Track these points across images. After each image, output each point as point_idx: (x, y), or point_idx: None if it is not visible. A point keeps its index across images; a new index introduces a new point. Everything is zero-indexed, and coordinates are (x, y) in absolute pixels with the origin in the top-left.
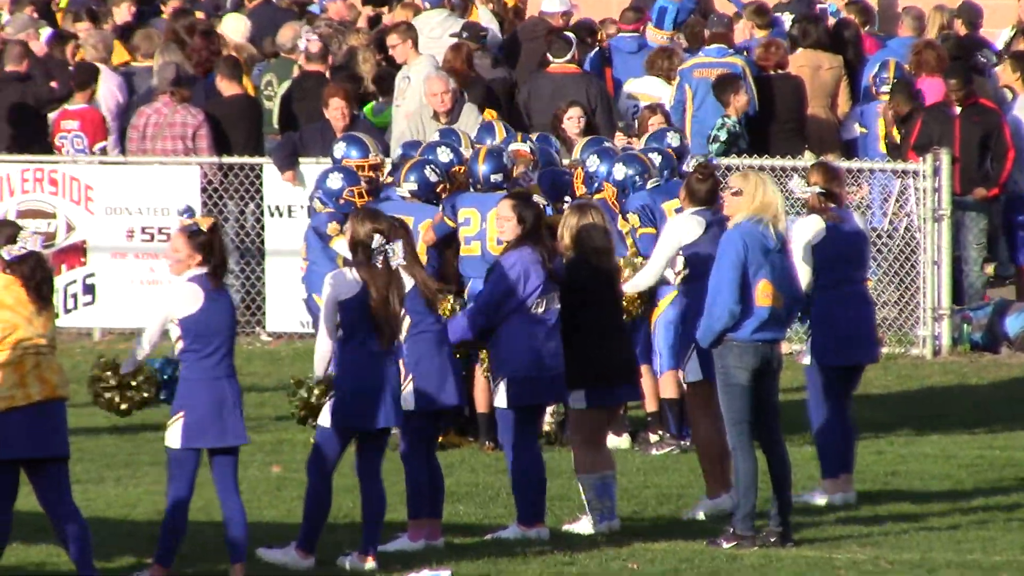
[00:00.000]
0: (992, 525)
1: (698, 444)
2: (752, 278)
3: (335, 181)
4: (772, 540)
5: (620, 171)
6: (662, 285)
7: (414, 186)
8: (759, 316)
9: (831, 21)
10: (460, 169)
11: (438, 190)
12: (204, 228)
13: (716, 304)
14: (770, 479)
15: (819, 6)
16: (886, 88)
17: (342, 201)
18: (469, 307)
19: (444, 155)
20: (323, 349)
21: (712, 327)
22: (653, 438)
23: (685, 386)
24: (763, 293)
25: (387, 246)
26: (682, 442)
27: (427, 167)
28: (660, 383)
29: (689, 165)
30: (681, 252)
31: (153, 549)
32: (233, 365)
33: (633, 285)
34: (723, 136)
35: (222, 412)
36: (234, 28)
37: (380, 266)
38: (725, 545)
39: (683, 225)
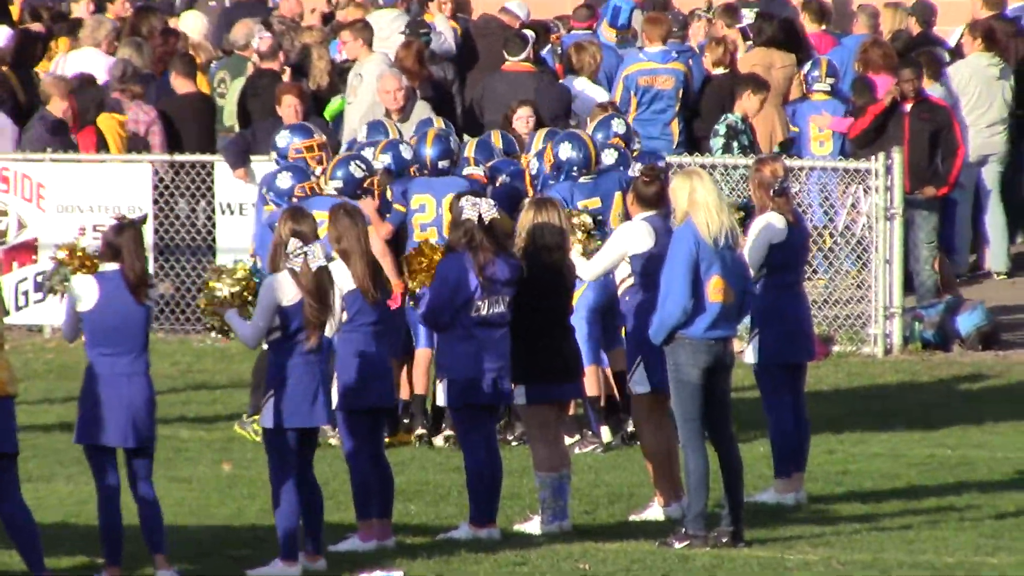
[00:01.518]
0: (944, 525)
1: (645, 455)
2: (704, 274)
3: (284, 180)
4: (724, 540)
5: (565, 151)
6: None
7: (339, 183)
8: (711, 312)
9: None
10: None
11: (365, 186)
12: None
13: (668, 301)
14: (721, 478)
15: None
16: (818, 86)
17: (294, 199)
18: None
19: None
20: (249, 339)
21: (664, 323)
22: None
23: (632, 395)
24: (715, 289)
25: (304, 249)
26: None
27: (352, 163)
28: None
29: (634, 169)
30: (629, 260)
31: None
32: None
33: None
34: (721, 130)
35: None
36: (192, 26)
37: (299, 268)
38: (677, 545)
39: (632, 234)
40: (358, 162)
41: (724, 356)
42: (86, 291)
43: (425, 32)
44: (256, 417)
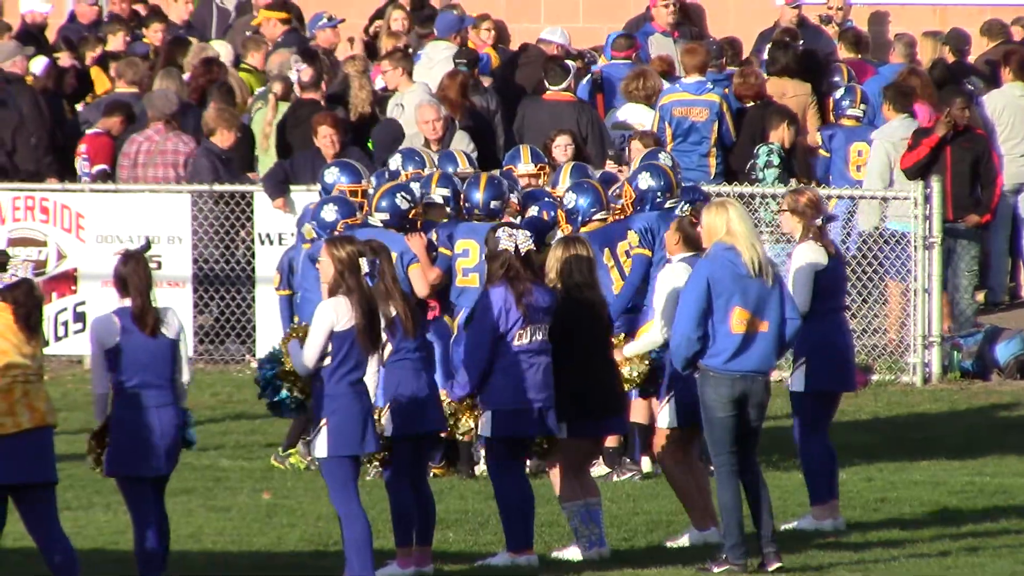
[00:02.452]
0: (981, 552)
1: (672, 487)
2: (725, 306)
3: (330, 213)
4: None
5: (645, 181)
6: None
7: (385, 215)
8: (732, 344)
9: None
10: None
11: (411, 216)
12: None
13: (676, 331)
14: (748, 507)
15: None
16: (851, 112)
17: (337, 233)
18: (461, 358)
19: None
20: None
21: (674, 353)
22: (603, 470)
23: (656, 428)
24: (737, 320)
25: (374, 266)
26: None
27: (398, 194)
28: (631, 407)
29: (682, 209)
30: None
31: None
32: None
33: (641, 345)
34: (775, 160)
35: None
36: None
37: (366, 288)
38: (715, 570)
39: (678, 277)
40: (403, 193)
41: (751, 392)
42: (108, 328)
43: (477, 60)
44: (292, 451)
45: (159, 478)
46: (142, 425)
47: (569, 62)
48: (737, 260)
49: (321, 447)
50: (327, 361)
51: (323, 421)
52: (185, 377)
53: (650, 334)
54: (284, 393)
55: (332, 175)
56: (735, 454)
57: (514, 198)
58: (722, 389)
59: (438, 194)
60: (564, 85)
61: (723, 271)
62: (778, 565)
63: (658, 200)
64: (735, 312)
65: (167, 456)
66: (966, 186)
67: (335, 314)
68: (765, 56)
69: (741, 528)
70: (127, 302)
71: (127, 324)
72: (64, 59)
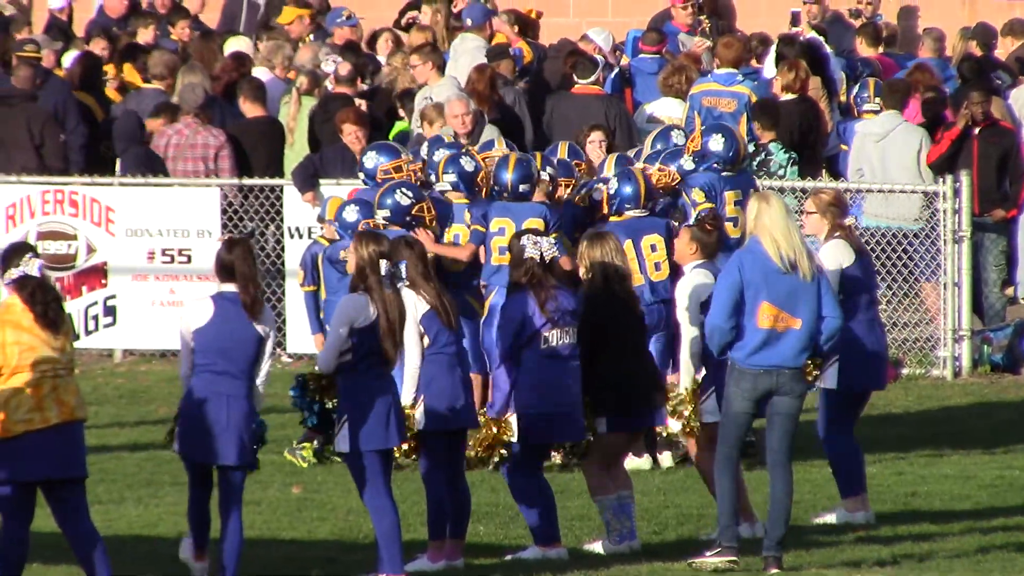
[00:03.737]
0: (1012, 545)
1: (705, 482)
2: (753, 300)
3: (351, 213)
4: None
5: (716, 143)
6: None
7: (387, 212)
8: (757, 338)
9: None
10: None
11: (414, 212)
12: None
13: (709, 321)
14: (770, 500)
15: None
16: (868, 107)
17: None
18: (497, 373)
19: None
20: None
21: (709, 341)
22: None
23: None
24: (764, 315)
25: (394, 269)
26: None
27: (397, 191)
28: None
29: (699, 215)
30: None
31: (170, 568)
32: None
33: (689, 370)
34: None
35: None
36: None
37: (388, 289)
38: (708, 555)
39: (697, 279)
40: (404, 189)
41: (780, 383)
42: (200, 310)
43: (509, 54)
44: (306, 444)
45: (228, 467)
46: (213, 410)
47: (597, 56)
48: (768, 254)
49: (343, 442)
50: (348, 357)
51: (344, 417)
52: (261, 377)
53: (685, 360)
54: (311, 416)
55: (371, 159)
56: (740, 450)
57: (547, 174)
58: (744, 383)
59: (445, 182)
60: (592, 79)
61: (753, 264)
62: (776, 572)
63: (716, 166)
64: (762, 307)
65: (234, 447)
66: (993, 180)
67: (354, 310)
68: (772, 52)
69: (735, 512)
70: (229, 287)
71: (223, 308)
72: (97, 48)
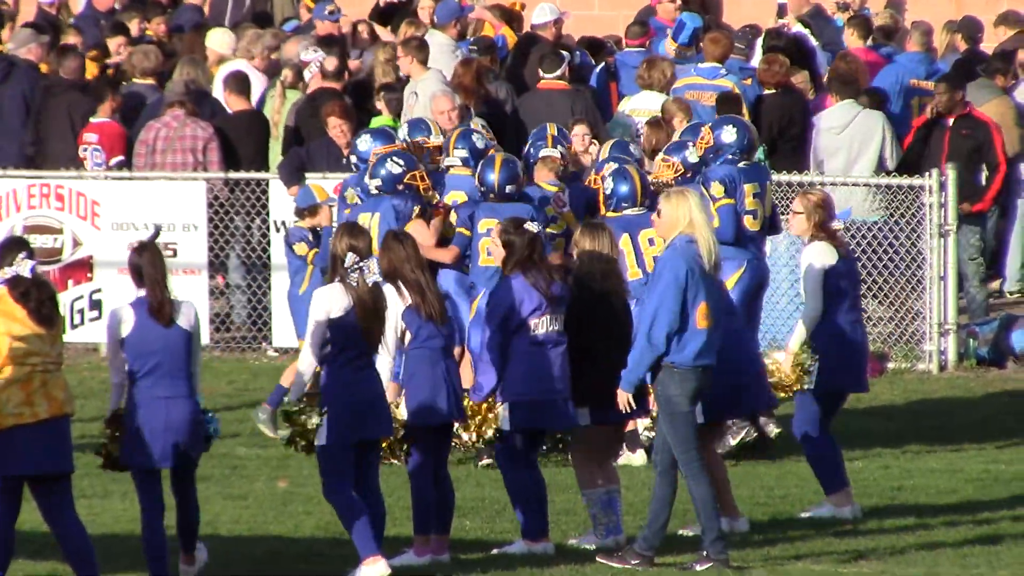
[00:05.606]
0: (998, 540)
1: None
2: (693, 300)
3: (364, 143)
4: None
5: (729, 135)
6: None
7: (379, 181)
8: (700, 339)
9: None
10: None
11: (406, 181)
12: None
13: (656, 329)
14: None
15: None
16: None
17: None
18: (483, 356)
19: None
20: (307, 364)
21: (654, 352)
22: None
23: None
24: (702, 315)
25: (361, 264)
26: None
27: (389, 160)
28: None
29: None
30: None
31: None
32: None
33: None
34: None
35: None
36: (219, 42)
37: (356, 283)
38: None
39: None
40: (395, 158)
41: (707, 383)
42: (122, 319)
43: (493, 47)
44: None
45: (177, 468)
46: (151, 416)
47: (563, 51)
48: (699, 253)
49: (321, 435)
50: (327, 349)
51: (324, 410)
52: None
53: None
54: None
55: (365, 143)
56: (700, 447)
57: (557, 152)
58: (688, 384)
59: (456, 156)
60: (558, 73)
61: (693, 265)
62: (707, 567)
63: (731, 157)
64: (701, 307)
65: (175, 449)
66: (963, 172)
67: (328, 300)
68: (759, 46)
69: (719, 522)
70: (143, 292)
71: (142, 314)
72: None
